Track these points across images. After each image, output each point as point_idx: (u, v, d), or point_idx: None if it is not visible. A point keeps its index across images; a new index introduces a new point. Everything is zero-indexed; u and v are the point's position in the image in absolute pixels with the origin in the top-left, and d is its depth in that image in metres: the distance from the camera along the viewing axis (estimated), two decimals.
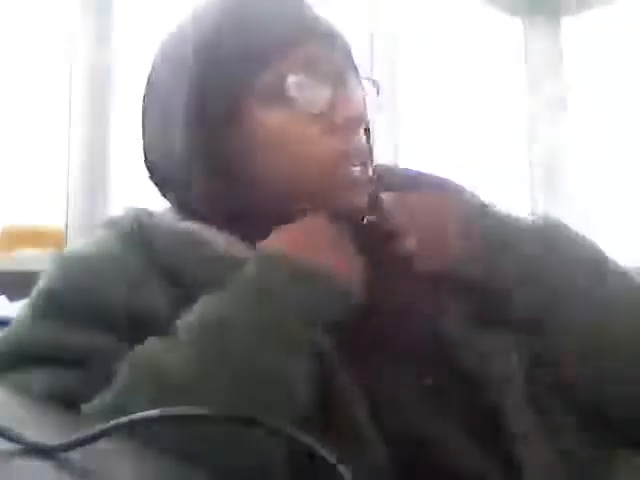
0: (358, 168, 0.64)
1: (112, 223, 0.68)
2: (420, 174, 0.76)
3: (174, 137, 0.64)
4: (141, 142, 0.70)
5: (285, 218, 0.62)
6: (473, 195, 0.74)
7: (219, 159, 0.63)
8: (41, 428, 0.48)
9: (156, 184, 0.71)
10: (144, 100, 0.69)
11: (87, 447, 0.38)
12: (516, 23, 2.69)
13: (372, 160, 0.68)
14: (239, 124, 0.63)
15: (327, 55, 0.65)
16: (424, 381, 0.61)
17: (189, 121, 0.63)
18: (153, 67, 0.69)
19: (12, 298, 1.27)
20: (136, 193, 1.63)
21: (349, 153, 0.64)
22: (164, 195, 0.71)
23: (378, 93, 0.71)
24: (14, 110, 1.61)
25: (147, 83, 0.69)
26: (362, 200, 0.65)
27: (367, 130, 0.68)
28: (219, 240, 0.62)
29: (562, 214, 2.71)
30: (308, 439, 0.41)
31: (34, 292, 0.62)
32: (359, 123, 0.64)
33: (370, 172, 0.66)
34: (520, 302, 0.63)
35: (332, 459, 0.40)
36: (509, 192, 2.52)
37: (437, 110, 2.37)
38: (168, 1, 1.74)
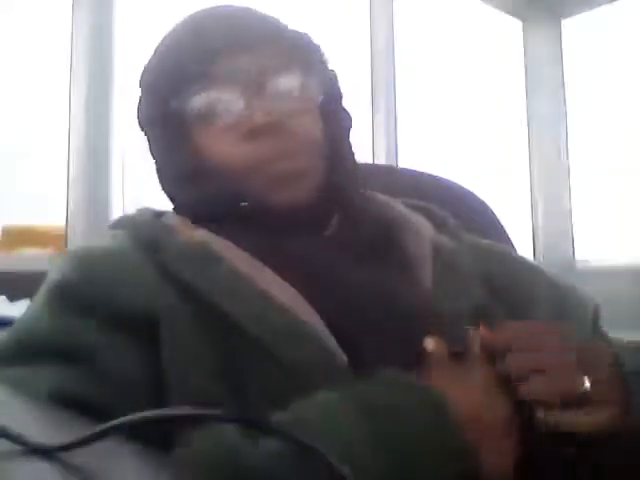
0: (285, 163, 0.66)
1: (126, 223, 0.69)
2: (428, 177, 0.77)
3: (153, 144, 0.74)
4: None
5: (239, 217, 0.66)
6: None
7: (179, 170, 0.70)
8: (41, 428, 0.48)
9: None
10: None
11: (87, 447, 0.38)
12: (516, 23, 2.70)
13: (314, 151, 0.69)
14: (185, 143, 0.69)
15: (242, 65, 0.67)
16: None
17: (153, 137, 0.73)
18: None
19: (12, 298, 1.27)
20: (136, 193, 1.64)
21: (268, 155, 0.66)
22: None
23: (330, 86, 0.73)
24: (14, 110, 1.61)
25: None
26: (302, 192, 0.67)
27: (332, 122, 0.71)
28: (225, 252, 0.64)
29: (562, 214, 2.71)
30: (308, 439, 0.41)
31: (47, 286, 0.62)
32: (274, 125, 0.66)
33: (306, 163, 0.67)
34: None
35: (333, 459, 0.40)
36: (509, 192, 2.53)
37: (436, 110, 2.37)
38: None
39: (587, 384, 0.53)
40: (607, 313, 0.80)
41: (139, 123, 0.74)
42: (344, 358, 0.59)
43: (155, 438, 0.45)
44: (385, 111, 2.22)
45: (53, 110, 1.66)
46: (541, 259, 2.60)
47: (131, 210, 0.75)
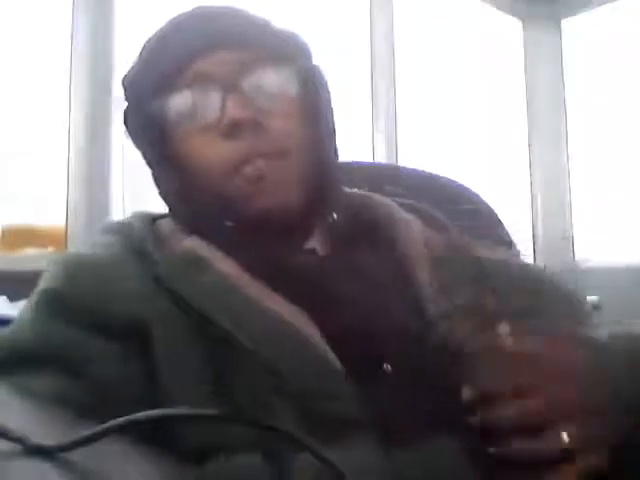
0: (261, 164, 0.65)
1: (118, 229, 0.68)
2: (429, 176, 0.76)
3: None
4: None
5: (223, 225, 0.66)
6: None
7: (164, 176, 0.71)
8: (41, 428, 0.48)
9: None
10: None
11: (87, 447, 0.38)
12: (516, 23, 2.70)
13: (293, 150, 0.68)
14: (166, 147, 0.68)
15: (220, 63, 0.67)
16: None
17: (138, 144, 0.73)
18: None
19: (12, 298, 1.27)
20: (136, 193, 1.64)
21: (247, 151, 0.65)
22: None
23: (315, 86, 0.72)
24: (14, 110, 1.61)
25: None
26: (280, 197, 0.66)
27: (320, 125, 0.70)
28: (213, 261, 0.64)
29: (561, 214, 2.71)
30: (309, 440, 0.41)
31: (37, 293, 0.62)
32: (250, 124, 0.65)
33: (284, 167, 0.66)
34: None
35: (332, 459, 0.40)
36: (509, 192, 2.53)
37: (436, 110, 2.37)
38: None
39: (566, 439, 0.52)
40: (607, 313, 0.80)
41: (126, 131, 0.74)
42: (337, 363, 0.58)
43: (155, 438, 0.45)
44: (385, 111, 2.22)
45: (53, 110, 1.66)
46: (541, 259, 2.60)
47: (131, 211, 0.75)
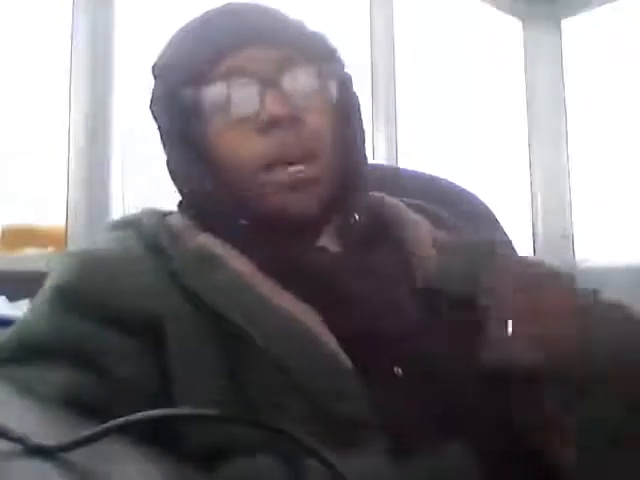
0: (295, 168, 0.65)
1: (129, 224, 0.68)
2: (428, 177, 0.77)
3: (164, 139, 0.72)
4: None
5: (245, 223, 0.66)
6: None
7: (189, 169, 0.69)
8: (41, 428, 0.47)
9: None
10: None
11: (87, 447, 0.38)
12: (516, 23, 2.70)
13: (326, 151, 0.68)
14: (196, 136, 0.68)
15: (258, 59, 0.67)
16: None
17: (165, 127, 0.71)
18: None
19: (12, 298, 1.27)
20: (136, 193, 1.64)
21: (280, 151, 0.65)
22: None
23: (345, 88, 0.72)
24: (14, 110, 1.61)
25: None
26: (308, 201, 0.66)
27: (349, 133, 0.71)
28: (227, 259, 0.64)
29: (561, 214, 2.70)
30: (310, 440, 0.41)
31: (52, 286, 0.62)
32: (289, 120, 0.65)
33: (316, 172, 0.67)
34: None
35: (332, 459, 0.40)
36: (509, 192, 2.52)
37: (436, 110, 2.37)
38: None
39: None
40: None
41: (152, 113, 0.73)
42: (348, 362, 0.58)
43: (155, 438, 0.45)
44: (385, 111, 2.22)
45: (53, 110, 1.66)
46: (541, 259, 2.60)
47: (132, 210, 0.74)
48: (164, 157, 0.73)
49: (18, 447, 0.38)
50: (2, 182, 1.58)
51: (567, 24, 2.69)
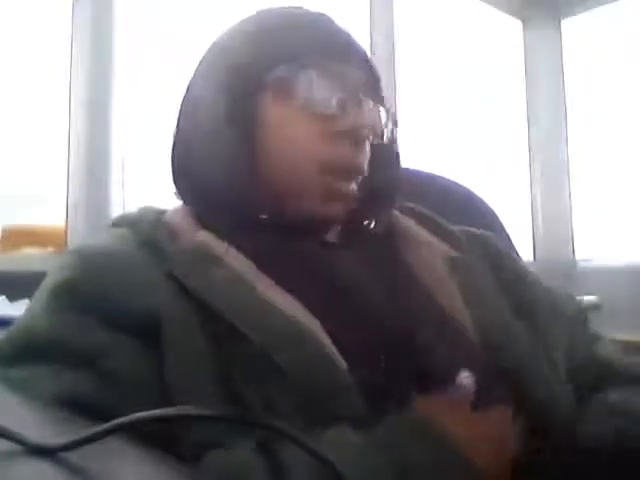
0: (342, 182, 0.67)
1: (129, 222, 0.68)
2: (429, 177, 0.78)
3: (200, 125, 0.69)
4: (171, 136, 0.74)
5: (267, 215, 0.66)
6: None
7: (229, 147, 0.66)
8: (41, 428, 0.48)
9: (174, 173, 0.74)
10: (182, 101, 0.74)
11: (87, 447, 0.38)
12: (516, 23, 2.70)
13: (367, 181, 0.70)
14: (250, 116, 0.66)
15: (348, 71, 0.68)
16: None
17: (212, 111, 0.68)
18: (191, 76, 0.74)
19: (12, 298, 1.27)
20: (136, 193, 1.64)
21: (338, 163, 0.66)
22: (178, 186, 0.73)
23: (394, 126, 0.74)
24: (14, 110, 1.61)
25: (186, 87, 0.74)
26: (336, 211, 0.68)
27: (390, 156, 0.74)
28: (225, 257, 0.63)
29: (561, 214, 2.70)
30: (308, 439, 0.41)
31: (53, 283, 0.62)
32: (363, 137, 0.66)
33: (353, 189, 0.68)
34: None
35: (330, 458, 0.40)
36: (509, 192, 2.53)
37: (436, 110, 2.37)
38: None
39: None
40: (607, 313, 0.81)
41: (190, 88, 0.72)
42: (343, 364, 0.58)
43: (155, 438, 0.45)
44: None
45: (53, 110, 1.66)
46: (541, 259, 2.60)
47: (132, 209, 0.74)
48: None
49: (18, 447, 0.38)
50: (2, 182, 1.58)
51: (567, 24, 2.69)
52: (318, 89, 0.65)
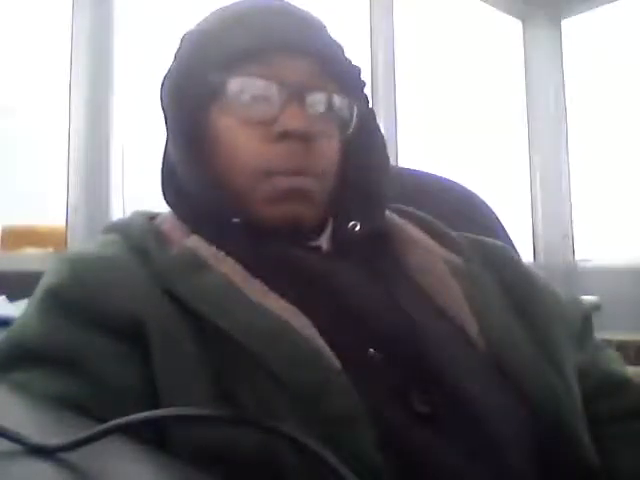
0: (296, 178, 0.66)
1: (120, 228, 0.68)
2: (429, 177, 0.77)
3: (170, 134, 0.71)
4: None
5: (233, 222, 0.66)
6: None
7: (193, 156, 0.68)
8: (41, 428, 0.48)
9: (162, 179, 0.74)
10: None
11: (87, 447, 0.38)
12: (516, 23, 2.70)
13: (343, 179, 0.70)
14: (205, 127, 0.67)
15: (289, 67, 0.66)
16: None
17: (172, 123, 0.70)
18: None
19: (12, 298, 1.27)
20: (136, 193, 1.64)
21: (283, 164, 0.66)
22: (164, 192, 0.74)
23: (371, 115, 0.73)
24: (14, 109, 1.62)
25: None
26: (296, 211, 0.67)
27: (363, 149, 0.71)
28: (214, 262, 0.64)
29: (561, 214, 2.71)
30: (309, 440, 0.41)
31: (42, 289, 0.62)
32: (309, 133, 0.65)
33: (310, 188, 0.67)
34: None
35: (333, 460, 0.40)
36: (509, 192, 2.53)
37: (436, 110, 2.37)
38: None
39: None
40: (607, 313, 0.81)
41: (162, 96, 0.73)
42: (337, 365, 0.58)
43: (155, 438, 0.45)
44: (385, 111, 2.22)
45: (53, 109, 1.66)
46: (541, 259, 2.60)
47: (130, 211, 0.74)
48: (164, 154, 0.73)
49: (18, 447, 0.38)
50: (2, 182, 1.58)
51: (567, 24, 2.70)
52: (250, 95, 0.66)
